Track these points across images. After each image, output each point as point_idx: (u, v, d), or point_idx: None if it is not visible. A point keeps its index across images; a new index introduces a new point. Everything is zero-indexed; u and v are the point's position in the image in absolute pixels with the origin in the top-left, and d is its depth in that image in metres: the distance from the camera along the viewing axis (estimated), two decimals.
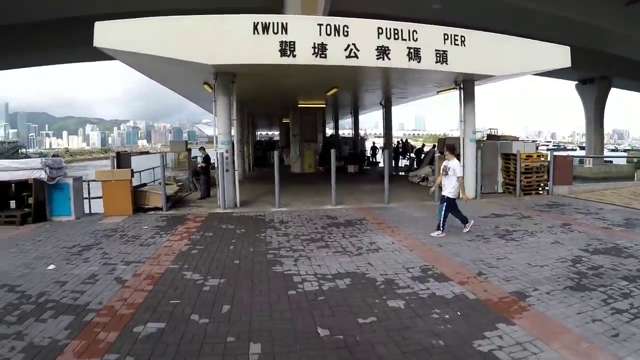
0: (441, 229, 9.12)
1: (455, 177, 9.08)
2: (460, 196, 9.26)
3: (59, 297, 5.64)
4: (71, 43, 26.18)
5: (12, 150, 65.91)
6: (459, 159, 10.64)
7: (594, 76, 35.73)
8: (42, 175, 11.56)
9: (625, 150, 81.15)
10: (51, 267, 7.18)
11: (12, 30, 22.27)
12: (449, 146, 9.78)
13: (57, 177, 11.97)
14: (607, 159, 40.18)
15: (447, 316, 4.94)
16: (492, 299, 5.44)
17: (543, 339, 4.32)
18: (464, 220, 9.40)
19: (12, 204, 12.42)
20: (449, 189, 9.12)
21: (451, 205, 9.19)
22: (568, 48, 14.04)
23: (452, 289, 5.83)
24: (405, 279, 6.25)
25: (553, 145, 73.73)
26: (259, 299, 5.56)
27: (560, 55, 14.13)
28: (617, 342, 4.27)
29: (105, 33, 10.77)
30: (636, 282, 6.00)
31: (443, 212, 9.11)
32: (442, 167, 9.48)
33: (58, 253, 8.10)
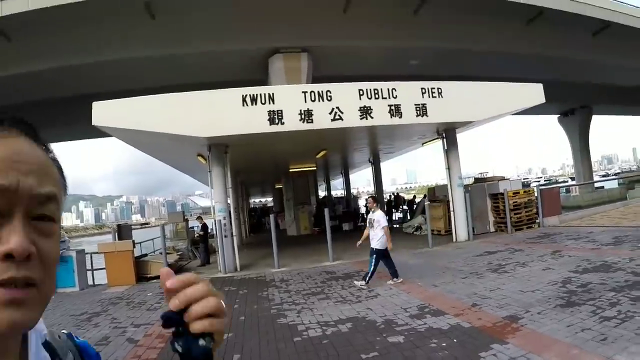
0: (366, 280, 9.20)
1: (380, 228, 9.23)
2: (388, 246, 9.30)
3: None
4: (62, 122, 27.03)
5: None
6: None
7: (574, 107, 36.24)
8: None
9: (616, 174, 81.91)
10: (63, 332, 7.41)
11: (3, 111, 22.91)
12: (372, 198, 10.11)
13: (60, 250, 12.26)
14: (598, 184, 40.60)
15: (444, 344, 5.19)
16: (486, 324, 5.70)
17: (535, 351, 4.59)
18: (394, 274, 9.39)
19: None
20: (376, 240, 9.25)
21: (380, 255, 9.24)
22: (540, 85, 14.66)
23: (447, 321, 6.08)
24: (404, 318, 6.49)
25: (544, 180, 74.33)
26: (266, 347, 5.81)
27: (533, 93, 14.72)
28: (605, 344, 4.55)
29: (103, 112, 11.42)
30: (624, 292, 6.30)
31: (372, 263, 9.22)
32: (367, 219, 9.72)
33: (67, 320, 8.47)
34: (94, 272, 14.00)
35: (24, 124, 0.67)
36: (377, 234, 9.23)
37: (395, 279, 9.22)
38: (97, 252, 14.04)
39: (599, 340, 4.68)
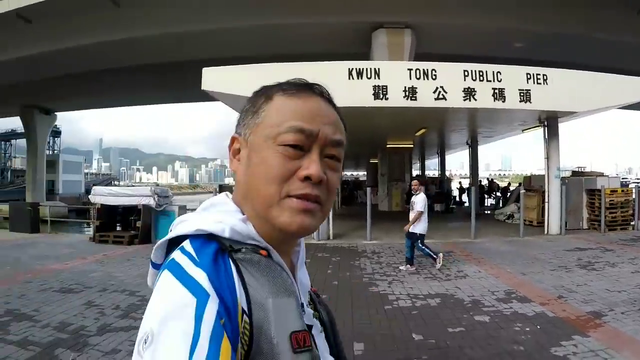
0: (435, 258, 9.39)
1: (415, 211, 9.31)
2: (407, 227, 9.43)
3: None
4: (163, 85, 28.60)
5: (105, 183, 69.61)
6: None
7: None
8: (151, 202, 13.18)
9: None
10: None
11: (111, 73, 24.57)
12: (417, 181, 9.92)
13: (164, 204, 13.54)
14: None
15: (528, 329, 5.59)
16: (570, 316, 6.02)
17: (614, 347, 4.90)
18: (409, 261, 9.45)
19: (118, 226, 14.37)
20: (415, 224, 9.33)
21: (417, 239, 9.38)
22: None
23: (533, 308, 6.44)
24: (490, 300, 6.92)
25: None
26: (359, 311, 6.42)
27: None
28: None
29: (212, 77, 12.28)
30: None
31: (420, 246, 9.40)
32: (411, 202, 9.69)
33: None
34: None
35: (322, 90, 0.93)
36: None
37: (408, 266, 9.36)
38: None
39: None
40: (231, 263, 0.76)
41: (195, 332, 0.65)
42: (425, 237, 9.66)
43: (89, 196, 14.55)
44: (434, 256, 9.40)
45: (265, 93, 0.91)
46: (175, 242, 0.83)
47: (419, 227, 9.37)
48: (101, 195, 13.66)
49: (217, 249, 0.77)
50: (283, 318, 0.74)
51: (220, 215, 0.84)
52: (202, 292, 0.69)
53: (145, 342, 0.66)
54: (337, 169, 0.90)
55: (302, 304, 0.87)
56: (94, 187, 14.77)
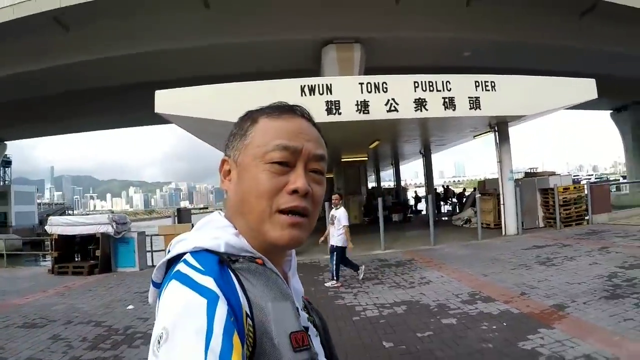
0: (335, 278, 9.28)
1: (341, 227, 9.27)
2: (347, 245, 9.37)
3: (146, 330, 6.60)
4: (119, 109, 28.06)
5: (59, 212, 67.93)
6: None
7: (628, 102, 35.54)
8: (109, 229, 12.88)
9: None
10: (130, 307, 8.25)
11: (62, 98, 23.81)
12: (338, 195, 9.95)
13: (122, 231, 13.25)
14: None
15: (494, 327, 5.64)
16: (534, 311, 6.11)
17: (579, 337, 4.99)
18: (355, 268, 9.58)
19: (77, 256, 13.97)
20: (336, 237, 9.30)
21: (340, 252, 9.31)
22: (593, 80, 14.56)
23: (497, 307, 6.51)
24: (456, 303, 6.96)
25: (595, 178, 72.05)
26: (327, 324, 6.32)
27: (586, 88, 14.65)
28: None
29: (165, 100, 12.09)
30: None
31: (334, 261, 9.30)
32: (330, 216, 9.69)
33: (132, 297, 9.22)
34: (153, 253, 14.92)
35: (303, 111, 1.00)
36: (337, 232, 9.30)
37: (333, 281, 9.28)
38: (157, 234, 14.90)
39: None
40: (231, 272, 0.81)
41: (208, 328, 0.69)
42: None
43: (46, 227, 14.13)
44: (335, 276, 9.29)
45: (251, 117, 0.98)
46: (174, 262, 0.87)
47: (341, 241, 9.31)
48: (58, 225, 13.27)
49: (217, 260, 0.82)
50: (282, 320, 0.80)
51: (215, 232, 0.90)
52: (211, 294, 0.74)
53: (159, 342, 0.70)
54: (321, 182, 0.97)
55: (297, 308, 0.90)
56: (50, 218, 14.35)
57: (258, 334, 0.77)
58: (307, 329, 0.91)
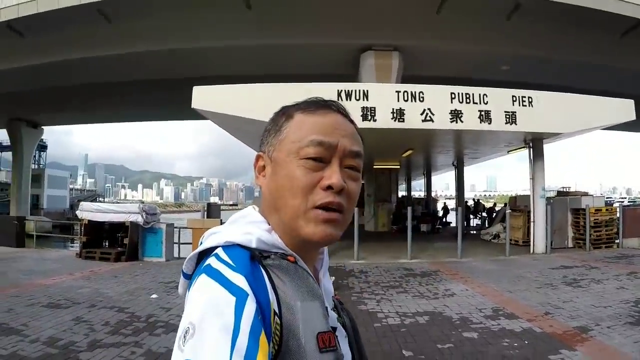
0: None
1: None
2: None
3: (168, 319, 6.79)
4: (153, 103, 28.54)
5: (90, 199, 68.58)
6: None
7: None
8: (139, 219, 13.13)
9: None
10: (154, 296, 8.42)
11: (100, 88, 24.50)
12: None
13: (152, 222, 13.50)
14: None
15: (516, 344, 5.65)
16: (557, 331, 6.10)
17: None
18: None
19: (105, 243, 14.31)
20: None
21: None
22: (632, 101, 14.31)
23: (520, 324, 6.50)
24: (478, 317, 6.97)
25: (628, 201, 70.48)
26: None
27: (624, 108, 14.37)
28: None
29: (203, 96, 12.29)
30: None
31: None
32: None
33: (157, 286, 9.41)
34: (180, 245, 15.05)
35: (339, 106, 0.99)
36: None
37: None
38: (186, 227, 15.15)
39: None
40: (262, 269, 0.82)
41: (235, 327, 0.70)
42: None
43: (77, 211, 14.48)
44: None
45: (286, 112, 0.98)
46: (205, 255, 0.88)
47: None
48: (89, 211, 13.58)
49: (249, 256, 0.83)
50: (310, 319, 0.80)
51: (247, 227, 0.90)
52: (241, 292, 0.74)
53: (185, 337, 0.71)
54: (357, 179, 0.95)
55: (327, 308, 0.90)
56: (82, 203, 14.74)
57: (285, 332, 0.77)
58: (335, 329, 0.90)
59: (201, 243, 0.91)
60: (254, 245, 0.86)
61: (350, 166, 0.93)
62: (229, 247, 0.85)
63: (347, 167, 0.93)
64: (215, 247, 0.86)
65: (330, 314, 0.93)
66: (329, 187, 0.88)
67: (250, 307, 0.73)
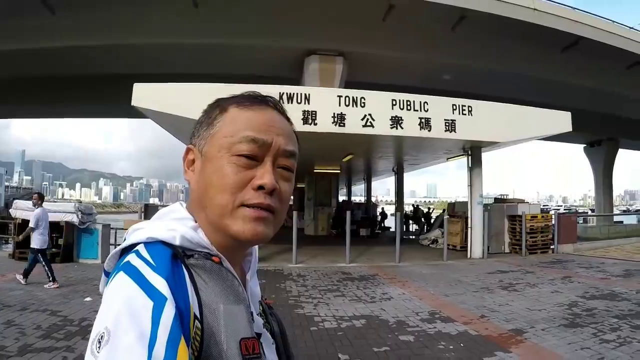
0: (52, 280, 9.04)
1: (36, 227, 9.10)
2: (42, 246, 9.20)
3: None
4: (95, 98, 27.60)
5: (26, 197, 66.74)
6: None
7: (601, 138, 36.18)
8: (74, 219, 12.58)
9: (637, 211, 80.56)
10: (88, 299, 8.05)
11: (41, 81, 23.33)
12: (37, 194, 10.00)
13: (87, 222, 12.98)
14: (617, 218, 39.91)
15: (451, 347, 5.57)
16: (492, 334, 6.06)
17: None
18: (25, 273, 9.29)
19: None
20: (36, 238, 9.20)
21: (36, 253, 9.17)
22: (569, 113, 14.73)
23: (456, 327, 6.44)
24: (415, 320, 6.87)
25: (564, 209, 73.42)
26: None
27: (561, 120, 14.81)
28: None
29: (143, 93, 11.82)
30: (626, 319, 6.65)
31: (40, 260, 9.16)
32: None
33: (91, 289, 8.98)
34: (117, 247, 14.50)
35: (276, 102, 0.95)
36: (37, 232, 9.20)
37: (51, 283, 9.01)
38: (122, 228, 14.60)
39: (597, 359, 5.04)
40: (184, 269, 0.77)
41: (152, 335, 0.65)
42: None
43: (10, 210, 13.74)
44: (50, 277, 9.08)
45: (220, 105, 0.93)
46: (127, 252, 0.82)
47: (37, 242, 9.18)
48: (22, 210, 12.89)
49: (171, 255, 0.77)
50: (233, 324, 0.76)
51: (172, 223, 0.85)
52: (159, 296, 0.69)
53: (100, 343, 0.65)
54: (290, 179, 0.92)
55: (252, 313, 0.86)
56: (16, 201, 13.99)
57: (206, 337, 0.73)
58: (260, 335, 0.87)
59: (124, 239, 0.86)
60: (177, 242, 0.81)
61: (283, 166, 0.90)
62: (151, 244, 0.80)
63: (280, 167, 0.89)
64: (138, 244, 0.81)
65: (256, 319, 0.89)
66: (260, 187, 0.84)
67: (169, 312, 0.68)
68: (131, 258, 0.76)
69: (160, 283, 0.71)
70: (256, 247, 1.01)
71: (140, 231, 0.83)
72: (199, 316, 0.73)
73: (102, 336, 0.65)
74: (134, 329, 0.65)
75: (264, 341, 0.89)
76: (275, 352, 0.96)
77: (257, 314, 0.93)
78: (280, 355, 0.97)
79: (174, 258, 0.77)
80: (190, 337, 0.70)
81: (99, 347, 0.65)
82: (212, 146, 0.87)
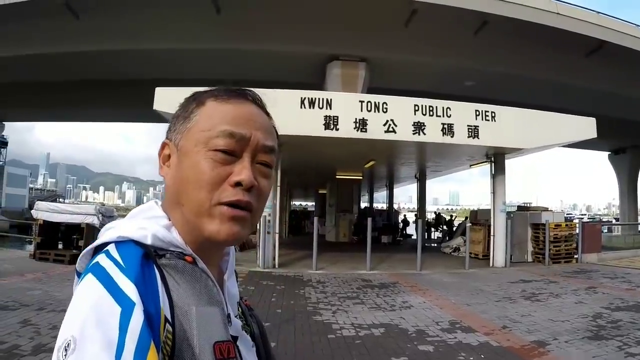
0: None
1: None
2: None
3: None
4: (118, 103, 28.00)
5: (50, 199, 67.69)
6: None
7: (626, 146, 35.73)
8: (95, 221, 12.65)
9: None
10: None
11: (66, 85, 23.73)
12: None
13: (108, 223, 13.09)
14: None
15: (472, 358, 5.46)
16: (514, 346, 5.94)
17: None
18: None
19: (60, 244, 13.88)
20: None
21: None
22: (593, 119, 14.46)
23: (477, 338, 6.32)
24: (435, 330, 6.77)
25: (588, 218, 72.21)
26: (301, 339, 6.19)
27: (586, 126, 14.55)
28: None
29: (165, 98, 11.87)
30: None
31: None
32: None
33: None
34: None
35: (255, 96, 0.92)
36: None
37: None
38: None
39: None
40: (155, 269, 0.75)
41: (119, 344, 0.63)
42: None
43: (32, 211, 14.03)
44: None
45: (197, 98, 0.90)
46: (99, 251, 0.79)
47: None
48: (44, 211, 13.13)
49: (142, 255, 0.75)
50: (207, 327, 0.74)
51: (144, 222, 0.82)
52: (127, 301, 0.67)
53: (66, 350, 0.63)
54: (269, 176, 0.89)
55: (229, 315, 0.85)
56: (38, 202, 14.26)
57: (177, 341, 0.71)
58: (236, 338, 0.84)
59: (97, 238, 0.83)
60: (149, 241, 0.78)
61: (262, 162, 0.87)
62: (122, 244, 0.77)
63: (259, 163, 0.87)
64: (110, 243, 0.78)
65: (233, 321, 0.87)
66: (238, 184, 0.81)
67: (137, 319, 0.65)
68: (100, 259, 0.74)
69: (128, 287, 0.68)
70: (233, 246, 0.97)
71: (111, 230, 0.81)
72: (170, 319, 0.71)
73: (68, 344, 0.63)
74: (101, 338, 0.63)
75: (242, 344, 0.87)
76: (255, 354, 0.94)
77: (235, 316, 0.91)
78: (260, 358, 0.95)
79: (145, 258, 0.75)
80: (161, 342, 0.68)
81: (64, 356, 0.63)
82: (188, 140, 0.85)
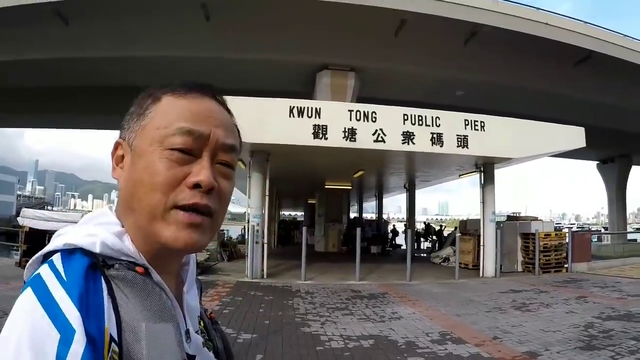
0: None
1: None
2: None
3: None
4: (108, 110, 27.84)
5: (38, 207, 67.36)
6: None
7: (614, 155, 35.88)
8: None
9: None
10: None
11: (55, 91, 23.45)
12: None
13: None
14: (631, 236, 39.37)
15: None
16: (505, 357, 5.84)
17: None
18: None
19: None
20: None
21: None
22: (582, 129, 14.53)
23: (468, 349, 6.23)
24: (425, 341, 6.66)
25: (577, 227, 72.67)
26: (289, 351, 6.07)
27: (575, 136, 14.61)
28: None
29: None
30: None
31: None
32: None
33: None
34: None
35: (215, 92, 0.86)
36: None
37: None
38: None
39: None
40: (102, 281, 0.68)
41: None
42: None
43: (18, 218, 14.00)
44: None
45: (153, 94, 0.83)
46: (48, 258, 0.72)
47: None
48: (30, 218, 13.06)
49: (88, 265, 0.68)
50: (158, 346, 0.67)
51: (94, 228, 0.75)
52: (67, 327, 0.60)
53: None
54: (231, 177, 0.83)
55: (188, 330, 0.79)
56: (24, 209, 14.16)
57: None
58: (193, 357, 0.77)
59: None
60: (97, 250, 0.70)
61: (223, 162, 0.81)
62: (68, 253, 0.70)
63: (219, 163, 0.80)
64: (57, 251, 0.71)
65: (193, 337, 0.80)
66: (197, 185, 0.74)
67: (77, 347, 0.59)
68: (43, 270, 0.67)
69: (69, 308, 0.61)
70: (194, 254, 0.90)
71: (60, 237, 0.73)
72: (116, 337, 0.65)
73: None
74: None
75: None
76: None
77: (196, 332, 0.84)
78: None
79: (92, 269, 0.68)
80: None
81: None
82: (142, 139, 0.78)
